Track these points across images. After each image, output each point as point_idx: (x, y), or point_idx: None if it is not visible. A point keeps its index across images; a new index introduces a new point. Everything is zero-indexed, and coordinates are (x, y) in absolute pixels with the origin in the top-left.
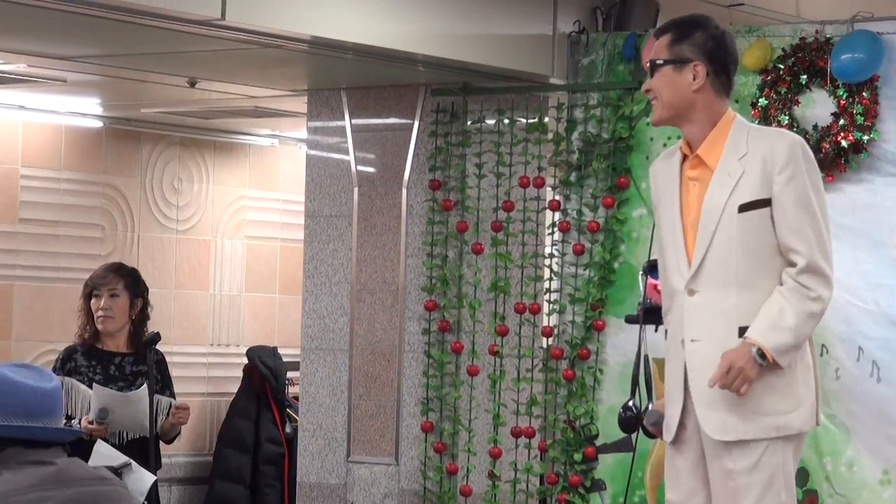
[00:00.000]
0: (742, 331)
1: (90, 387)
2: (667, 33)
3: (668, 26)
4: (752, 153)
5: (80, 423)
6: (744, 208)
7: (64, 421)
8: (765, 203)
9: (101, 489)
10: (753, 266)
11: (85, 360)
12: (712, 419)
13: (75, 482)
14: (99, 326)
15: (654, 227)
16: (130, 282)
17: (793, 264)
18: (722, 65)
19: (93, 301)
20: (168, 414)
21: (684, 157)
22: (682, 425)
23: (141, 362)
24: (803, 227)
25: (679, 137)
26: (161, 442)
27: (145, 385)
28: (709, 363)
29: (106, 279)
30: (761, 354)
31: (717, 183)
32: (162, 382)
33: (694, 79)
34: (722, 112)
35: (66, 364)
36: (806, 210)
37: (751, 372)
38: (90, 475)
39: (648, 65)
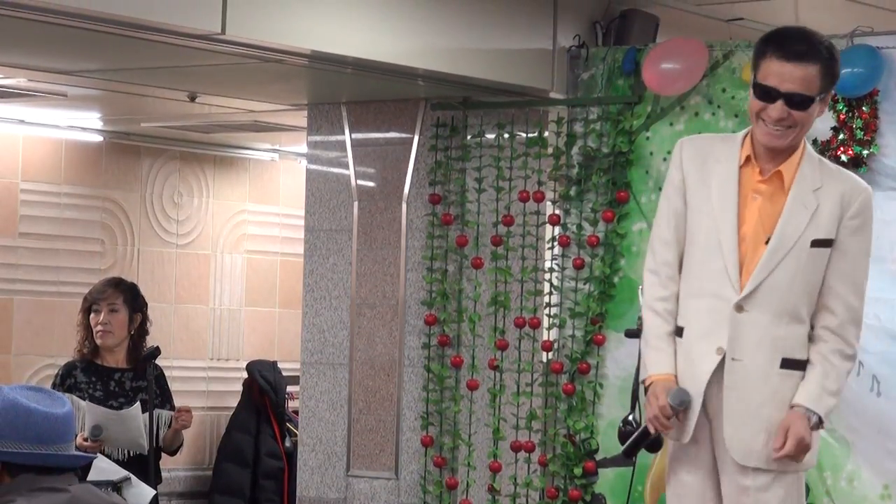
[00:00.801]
0: (784, 362)
1: None
2: (816, 64)
3: (813, 56)
4: (826, 188)
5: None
6: (815, 244)
7: None
8: (830, 243)
9: None
10: (806, 300)
11: (85, 376)
12: (738, 442)
13: None
14: (98, 341)
15: (664, 205)
16: (129, 296)
17: (829, 310)
18: None
19: (92, 316)
20: (170, 426)
21: (744, 162)
22: (693, 439)
23: (141, 377)
24: (859, 279)
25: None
26: (162, 455)
27: (138, 402)
28: (748, 384)
29: (105, 294)
30: (819, 421)
31: (794, 211)
32: (162, 397)
33: (821, 108)
34: None
35: (66, 380)
36: (865, 263)
37: (811, 442)
38: (103, 502)
39: (794, 97)
